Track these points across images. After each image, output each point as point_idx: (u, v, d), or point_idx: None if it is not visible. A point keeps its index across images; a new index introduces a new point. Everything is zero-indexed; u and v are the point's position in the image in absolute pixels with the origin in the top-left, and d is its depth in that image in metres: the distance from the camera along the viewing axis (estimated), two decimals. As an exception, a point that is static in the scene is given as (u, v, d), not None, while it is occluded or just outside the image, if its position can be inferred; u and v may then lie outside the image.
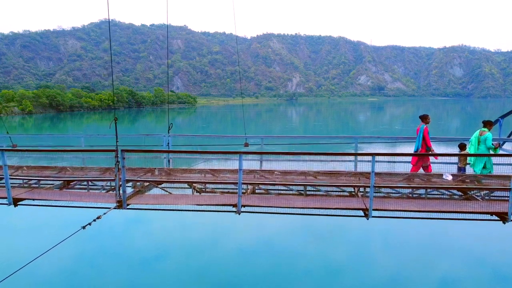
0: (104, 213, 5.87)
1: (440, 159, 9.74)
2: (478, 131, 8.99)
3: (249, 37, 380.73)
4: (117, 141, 5.92)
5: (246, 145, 10.88)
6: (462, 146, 10.20)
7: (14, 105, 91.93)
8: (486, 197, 6.36)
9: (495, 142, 8.93)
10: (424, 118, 9.38)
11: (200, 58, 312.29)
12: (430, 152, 8.92)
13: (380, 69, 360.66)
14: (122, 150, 5.92)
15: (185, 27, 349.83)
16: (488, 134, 8.68)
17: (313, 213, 5.86)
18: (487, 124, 8.94)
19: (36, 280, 10.32)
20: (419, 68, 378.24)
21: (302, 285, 10.11)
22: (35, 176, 7.31)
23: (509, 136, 10.34)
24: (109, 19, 6.08)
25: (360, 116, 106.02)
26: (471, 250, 13.09)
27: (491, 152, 8.64)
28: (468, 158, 9.15)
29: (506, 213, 5.65)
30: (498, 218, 5.86)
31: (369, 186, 5.51)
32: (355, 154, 7.59)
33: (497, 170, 8.76)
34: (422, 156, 9.03)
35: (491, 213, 5.89)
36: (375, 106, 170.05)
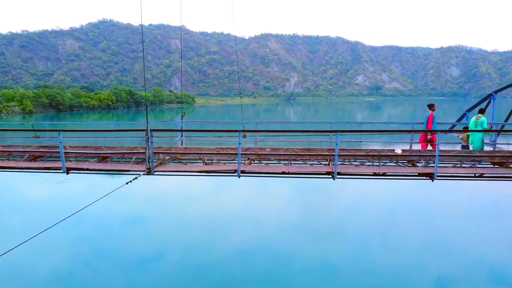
0: (139, 175, 7.38)
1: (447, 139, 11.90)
2: (475, 116, 11.02)
3: (247, 37, 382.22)
4: (147, 123, 7.41)
5: (244, 136, 12.37)
6: (466, 129, 11.88)
7: (14, 105, 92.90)
8: (425, 164, 8.08)
9: (489, 125, 11.02)
10: (431, 106, 11.32)
11: (198, 58, 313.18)
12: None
13: (378, 69, 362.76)
14: (151, 130, 7.36)
15: (183, 27, 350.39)
16: (483, 119, 10.78)
17: (294, 176, 7.52)
18: (482, 111, 10.95)
19: (89, 222, 16.43)
20: (416, 68, 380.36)
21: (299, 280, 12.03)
22: (82, 152, 8.77)
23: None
24: (142, 23, 7.39)
25: (358, 116, 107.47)
26: (408, 199, 20.33)
27: (483, 133, 10.57)
28: (469, 139, 11.00)
29: (433, 174, 7.52)
30: (429, 178, 7.71)
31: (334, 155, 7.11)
32: (324, 131, 9.35)
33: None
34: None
35: (425, 174, 7.78)
36: (373, 106, 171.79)
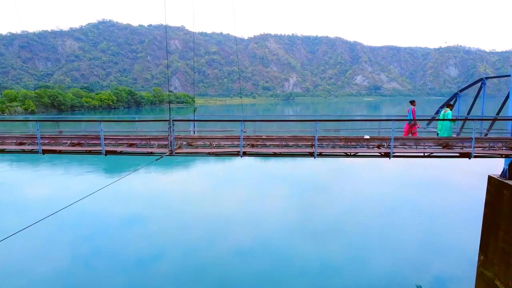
0: (164, 155, 9.11)
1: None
2: (443, 109, 13.26)
3: (246, 38, 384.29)
4: (170, 114, 8.99)
5: (245, 130, 14.02)
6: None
7: (17, 105, 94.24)
8: (387, 146, 9.86)
9: (454, 117, 13.19)
10: (412, 102, 14.18)
11: (197, 58, 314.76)
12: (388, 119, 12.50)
13: (377, 69, 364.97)
14: (173, 120, 8.92)
15: (182, 28, 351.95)
16: (449, 112, 12.94)
17: (283, 155, 9.26)
18: (449, 106, 13.27)
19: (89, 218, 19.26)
20: (415, 68, 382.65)
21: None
22: (116, 138, 10.41)
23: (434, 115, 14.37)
24: (166, 23, 8.85)
25: (357, 115, 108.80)
26: (373, 173, 28.34)
27: (451, 123, 12.59)
28: (438, 127, 12.69)
29: (389, 153, 9.51)
30: (386, 156, 9.71)
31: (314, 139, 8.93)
32: (307, 121, 11.09)
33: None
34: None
35: (384, 154, 9.79)
36: (372, 106, 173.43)
